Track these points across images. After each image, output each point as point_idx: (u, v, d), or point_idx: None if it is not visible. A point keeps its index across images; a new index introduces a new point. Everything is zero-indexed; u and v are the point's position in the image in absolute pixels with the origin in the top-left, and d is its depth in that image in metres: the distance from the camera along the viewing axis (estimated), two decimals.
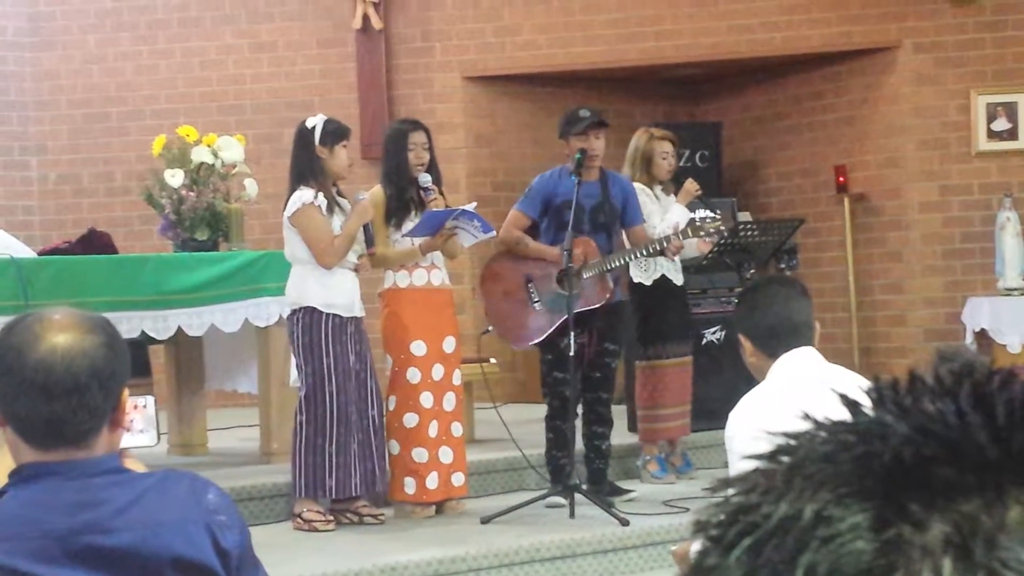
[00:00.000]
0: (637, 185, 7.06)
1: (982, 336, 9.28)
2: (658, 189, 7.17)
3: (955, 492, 0.58)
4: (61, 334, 2.20)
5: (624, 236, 6.90)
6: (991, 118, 9.57)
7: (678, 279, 7.23)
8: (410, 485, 6.39)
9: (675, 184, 7.23)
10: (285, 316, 6.41)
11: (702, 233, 6.77)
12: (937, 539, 0.57)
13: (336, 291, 6.18)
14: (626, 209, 6.85)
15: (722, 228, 6.80)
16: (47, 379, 2.17)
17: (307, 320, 6.15)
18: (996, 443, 0.59)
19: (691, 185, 7.09)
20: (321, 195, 6.17)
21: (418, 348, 6.39)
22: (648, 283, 7.16)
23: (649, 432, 7.26)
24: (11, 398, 2.20)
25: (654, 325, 7.16)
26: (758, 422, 3.37)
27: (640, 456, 7.35)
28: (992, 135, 9.58)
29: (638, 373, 7.25)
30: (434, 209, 6.30)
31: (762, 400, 3.65)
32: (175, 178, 7.14)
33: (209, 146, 7.26)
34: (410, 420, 6.38)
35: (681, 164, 7.96)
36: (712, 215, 6.93)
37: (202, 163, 7.21)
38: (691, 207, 7.18)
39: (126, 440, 2.44)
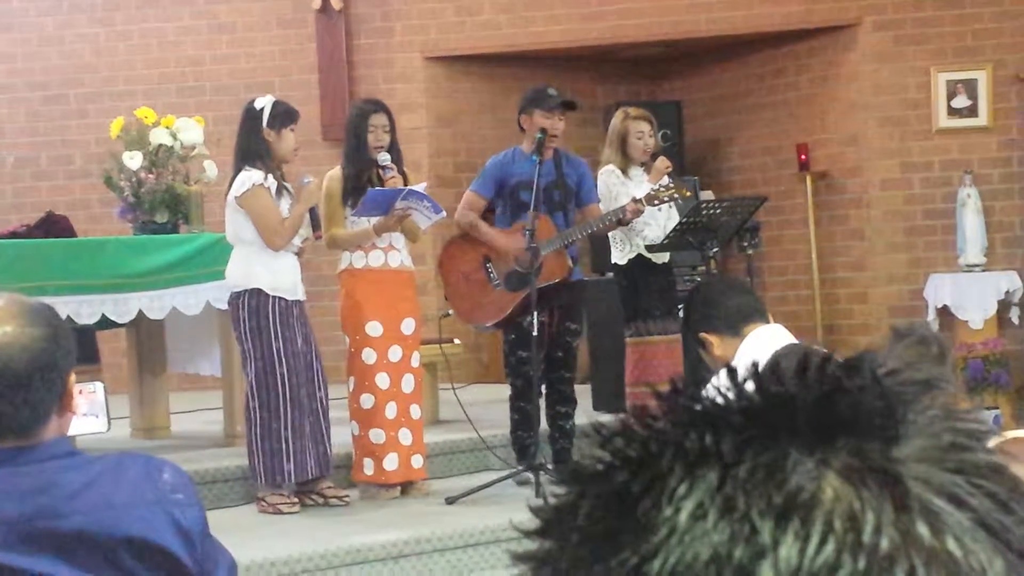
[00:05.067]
0: (608, 166, 7.05)
1: (944, 312, 9.34)
2: (637, 170, 7.11)
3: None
4: (0, 328, 2.17)
5: (581, 215, 6.89)
6: (951, 95, 9.60)
7: (659, 257, 7.20)
8: (368, 466, 6.39)
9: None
10: (227, 299, 6.33)
11: (656, 202, 6.76)
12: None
13: (281, 274, 6.15)
14: (580, 188, 6.85)
15: (676, 195, 6.78)
16: None
17: (254, 303, 6.09)
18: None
19: (661, 163, 7.07)
20: (271, 176, 6.14)
21: (373, 329, 6.38)
22: (623, 262, 7.16)
23: None
24: None
25: (634, 302, 7.15)
26: None
27: None
28: (952, 112, 9.61)
29: (627, 350, 7.23)
30: (386, 188, 6.28)
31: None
32: (134, 160, 7.08)
33: (168, 128, 7.20)
34: (366, 401, 6.38)
35: None
36: (665, 184, 6.88)
37: (161, 145, 7.16)
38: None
39: (77, 427, 2.42)
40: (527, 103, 6.78)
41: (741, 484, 0.60)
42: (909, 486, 0.60)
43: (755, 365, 0.65)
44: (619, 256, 7.18)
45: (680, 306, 7.45)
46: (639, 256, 7.14)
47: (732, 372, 0.65)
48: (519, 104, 6.88)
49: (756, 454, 0.61)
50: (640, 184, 7.03)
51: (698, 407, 0.64)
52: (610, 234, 7.09)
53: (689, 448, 0.62)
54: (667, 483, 0.61)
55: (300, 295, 6.24)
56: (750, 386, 0.64)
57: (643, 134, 7.10)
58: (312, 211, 6.20)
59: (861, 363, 0.64)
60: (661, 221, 7.13)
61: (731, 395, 0.64)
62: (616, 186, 7.00)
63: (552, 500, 0.64)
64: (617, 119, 7.18)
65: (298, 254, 6.30)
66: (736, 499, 0.59)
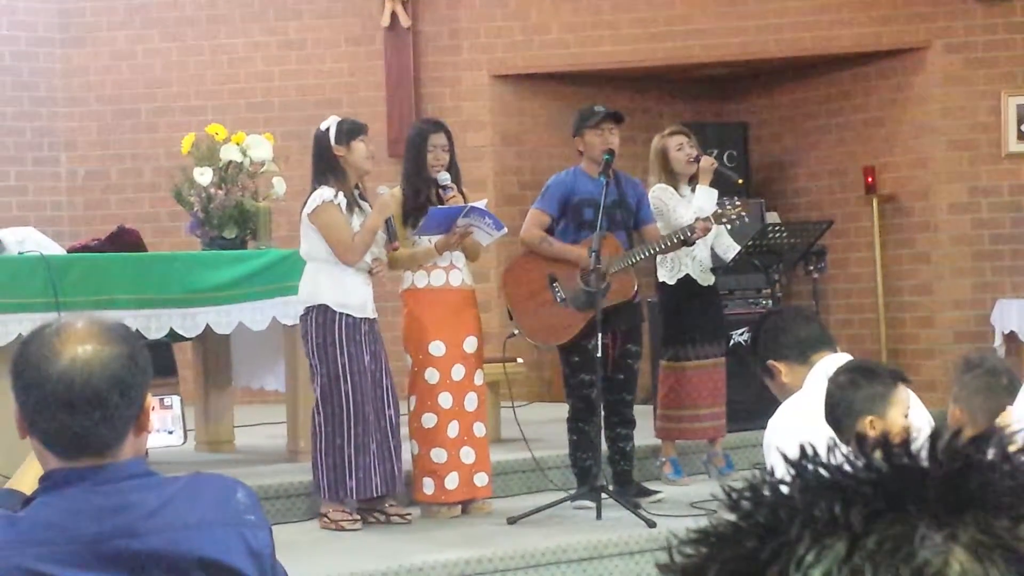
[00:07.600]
0: (659, 185, 7.02)
1: (1011, 338, 9.24)
2: (685, 189, 7.08)
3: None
4: (80, 346, 2.19)
5: (639, 235, 6.87)
6: (1021, 119, 9.51)
7: (705, 279, 7.16)
8: (429, 485, 6.38)
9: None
10: (292, 315, 6.37)
11: (724, 220, 6.71)
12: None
13: (349, 291, 6.16)
14: (640, 209, 6.83)
15: (743, 214, 6.74)
16: (68, 394, 2.17)
17: (320, 319, 6.12)
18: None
19: (706, 162, 7.00)
20: (341, 194, 6.17)
21: (436, 348, 6.38)
22: (672, 282, 7.12)
23: (664, 431, 7.24)
24: (34, 412, 2.20)
25: (676, 325, 7.12)
26: (799, 427, 3.40)
27: (659, 457, 7.34)
28: (1022, 136, 9.52)
29: (660, 372, 7.21)
30: (448, 206, 6.29)
31: (802, 406, 3.67)
32: (204, 176, 7.15)
33: (238, 144, 7.27)
34: (428, 420, 6.38)
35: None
36: (732, 201, 6.84)
37: (230, 161, 7.23)
38: (715, 184, 7.04)
39: (153, 441, 2.45)
40: (577, 126, 6.79)
41: (869, 555, 0.60)
42: None
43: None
44: (667, 276, 7.13)
45: (726, 330, 7.45)
46: (687, 277, 7.09)
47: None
48: (572, 129, 6.88)
49: (885, 526, 0.61)
50: (690, 203, 6.99)
51: (827, 475, 0.65)
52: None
53: (818, 517, 0.63)
54: (796, 551, 0.62)
55: (369, 313, 6.25)
56: (879, 456, 0.65)
57: (683, 144, 7.04)
58: (388, 222, 6.22)
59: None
60: (709, 241, 7.08)
61: (860, 464, 0.65)
62: (672, 199, 6.95)
63: (680, 560, 0.65)
64: (654, 143, 7.17)
65: (370, 272, 6.31)
66: (864, 570, 0.60)
